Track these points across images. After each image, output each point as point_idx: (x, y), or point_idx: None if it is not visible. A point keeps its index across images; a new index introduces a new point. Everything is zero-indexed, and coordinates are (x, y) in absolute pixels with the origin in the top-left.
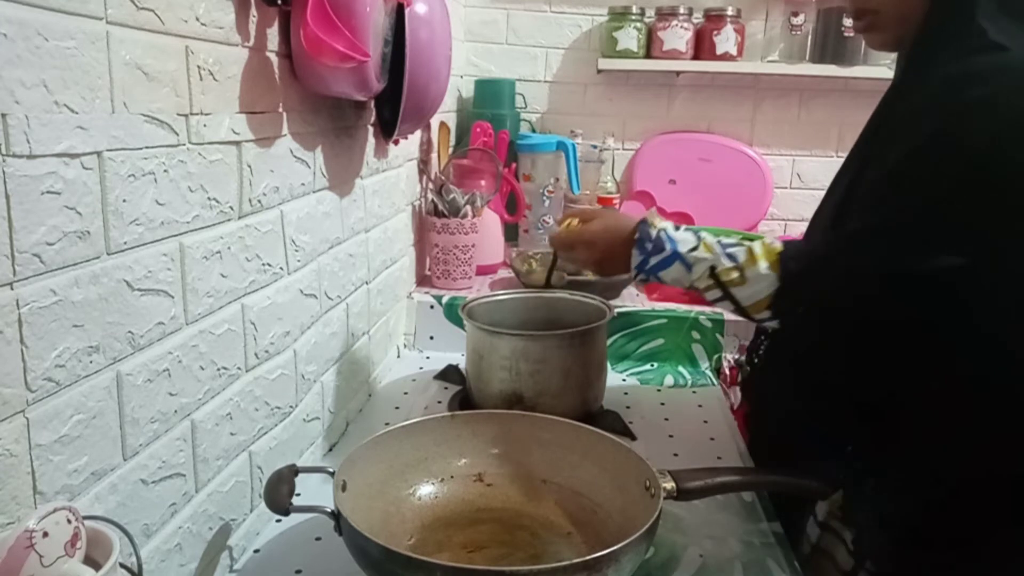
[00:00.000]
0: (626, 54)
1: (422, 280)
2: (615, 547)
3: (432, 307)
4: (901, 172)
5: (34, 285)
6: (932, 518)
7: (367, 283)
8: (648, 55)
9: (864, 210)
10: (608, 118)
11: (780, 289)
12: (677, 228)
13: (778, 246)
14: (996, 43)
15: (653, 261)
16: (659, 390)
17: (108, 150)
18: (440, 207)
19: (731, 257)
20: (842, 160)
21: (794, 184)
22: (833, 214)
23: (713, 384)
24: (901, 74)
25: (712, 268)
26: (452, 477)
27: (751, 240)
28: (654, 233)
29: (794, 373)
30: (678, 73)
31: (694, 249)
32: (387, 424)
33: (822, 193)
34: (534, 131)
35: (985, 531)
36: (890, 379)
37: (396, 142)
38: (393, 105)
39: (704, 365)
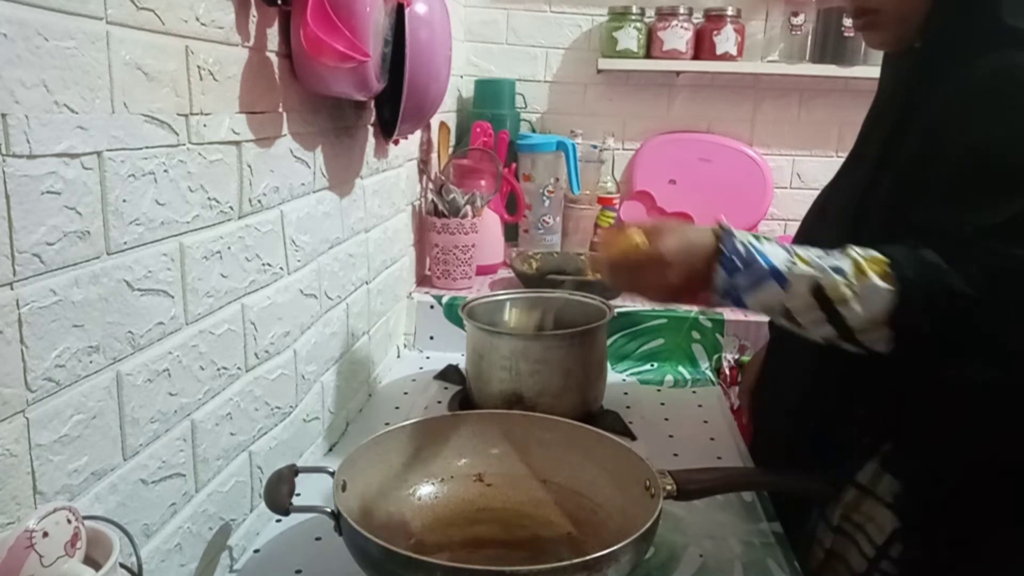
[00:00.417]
0: (626, 54)
1: (422, 280)
2: (615, 547)
3: (432, 307)
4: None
5: (34, 285)
6: (932, 518)
7: (367, 283)
8: (648, 55)
9: (966, 210)
10: (608, 118)
11: (901, 304)
12: (758, 239)
13: (881, 256)
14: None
15: (742, 281)
16: (659, 390)
17: (108, 150)
18: (440, 207)
19: (837, 271)
20: (842, 160)
21: (794, 184)
22: (850, 221)
23: (713, 384)
24: (915, 74)
25: (817, 286)
26: (452, 477)
27: (842, 250)
28: (741, 247)
29: (796, 376)
30: (678, 73)
31: (791, 263)
32: (387, 424)
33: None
34: (534, 131)
35: (985, 531)
36: (895, 380)
37: (396, 142)
38: (393, 105)
39: (704, 365)
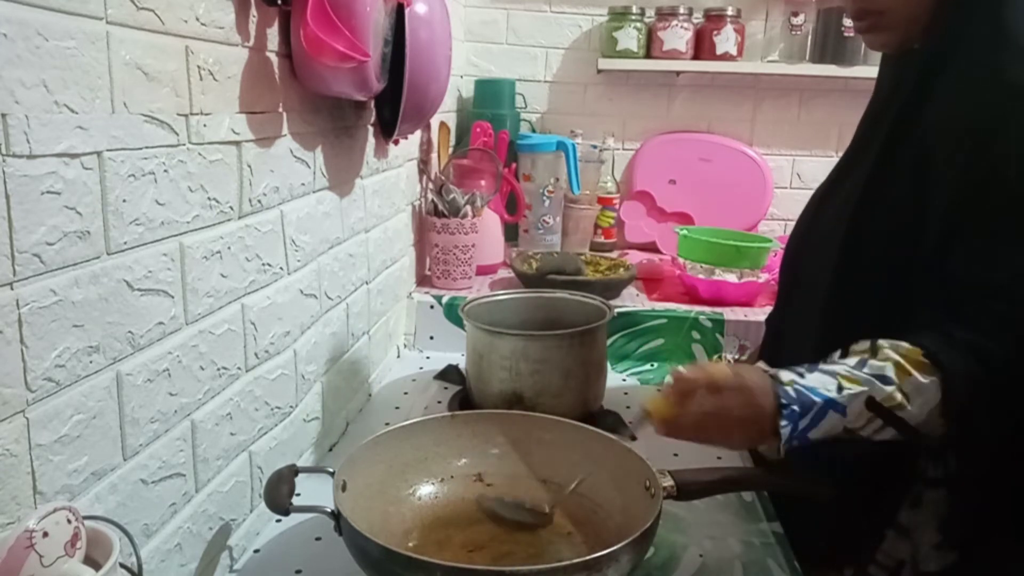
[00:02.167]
0: (626, 54)
1: (422, 280)
2: (615, 547)
3: (432, 307)
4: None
5: (34, 285)
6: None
7: (367, 283)
8: (648, 55)
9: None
10: (608, 118)
11: (948, 392)
12: (801, 375)
13: (914, 348)
14: None
15: (804, 424)
16: (659, 390)
17: (108, 150)
18: (440, 207)
19: (883, 379)
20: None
21: (794, 184)
22: (843, 234)
23: None
24: (915, 78)
25: (870, 399)
26: (452, 477)
27: (872, 352)
28: (792, 392)
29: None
30: (678, 73)
31: (840, 388)
32: (387, 424)
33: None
34: (534, 131)
35: (982, 535)
36: None
37: (396, 142)
38: (393, 105)
39: None
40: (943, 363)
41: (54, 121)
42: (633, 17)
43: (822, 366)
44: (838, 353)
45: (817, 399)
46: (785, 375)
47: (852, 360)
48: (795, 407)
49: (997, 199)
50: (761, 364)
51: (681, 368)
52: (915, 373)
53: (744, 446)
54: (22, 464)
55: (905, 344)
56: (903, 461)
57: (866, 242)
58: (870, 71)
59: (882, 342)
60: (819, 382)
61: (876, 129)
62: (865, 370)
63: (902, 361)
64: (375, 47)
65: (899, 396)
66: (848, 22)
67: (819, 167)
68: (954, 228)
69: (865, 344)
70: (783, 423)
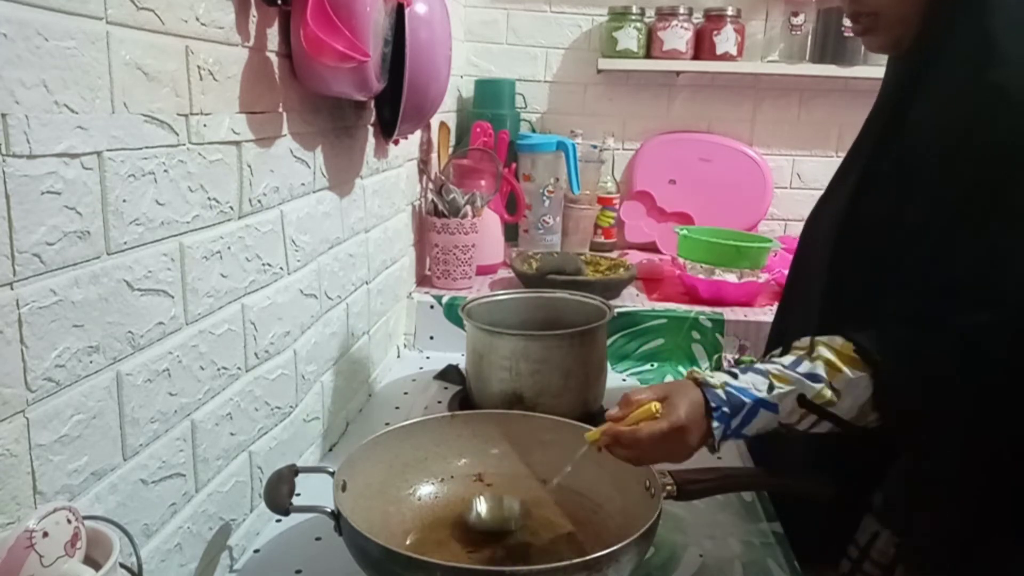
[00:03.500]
0: (626, 54)
1: (422, 280)
2: (615, 547)
3: (432, 307)
4: (958, 212)
5: (34, 285)
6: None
7: (367, 283)
8: (648, 55)
9: (923, 264)
10: (608, 118)
11: (879, 385)
12: (733, 375)
13: (846, 343)
14: (1008, 53)
15: (736, 423)
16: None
17: (108, 150)
18: (440, 207)
19: (813, 377)
20: (841, 161)
21: (794, 184)
22: (836, 228)
23: None
24: (906, 80)
25: (801, 397)
26: (452, 477)
27: (809, 349)
28: (723, 394)
29: None
30: (678, 73)
31: (771, 388)
32: (387, 424)
33: (822, 193)
34: (534, 131)
35: (982, 535)
36: None
37: (396, 142)
38: (393, 105)
39: (704, 365)
40: (873, 359)
41: (54, 121)
42: (633, 17)
43: (757, 365)
44: (779, 351)
45: (747, 399)
46: (717, 378)
47: (788, 359)
48: (725, 408)
49: (969, 197)
50: (694, 372)
51: (612, 418)
52: (845, 369)
53: (688, 457)
54: (22, 464)
55: (839, 339)
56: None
57: (856, 243)
58: (870, 71)
59: (819, 339)
60: (751, 382)
61: (869, 134)
62: (799, 369)
63: (833, 358)
64: (375, 47)
65: (829, 393)
66: (848, 22)
67: (819, 167)
68: (924, 227)
69: (805, 341)
70: (715, 424)
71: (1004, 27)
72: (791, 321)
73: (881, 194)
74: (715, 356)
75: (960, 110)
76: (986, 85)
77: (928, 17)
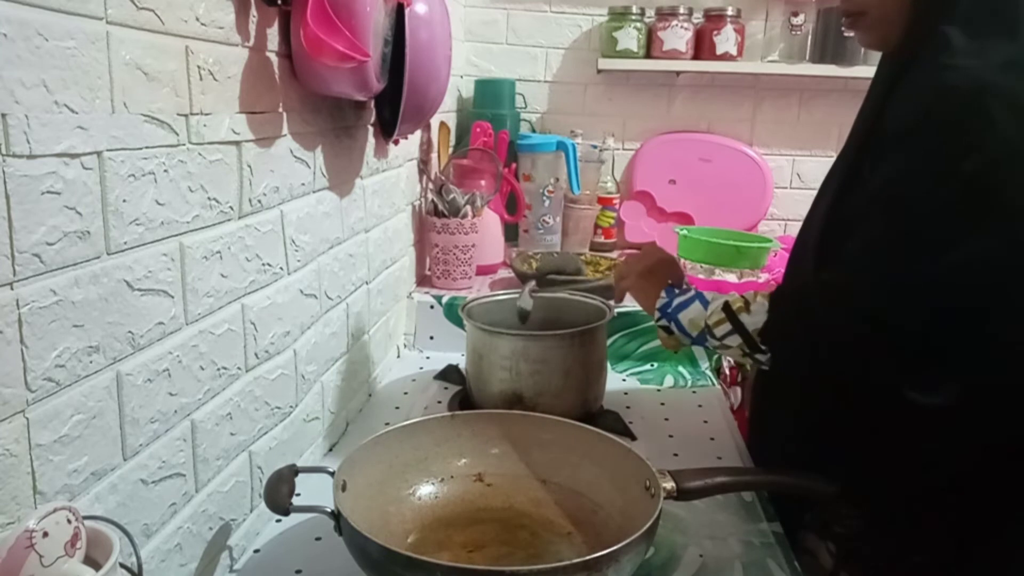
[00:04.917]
0: (626, 54)
1: (422, 280)
2: (615, 547)
3: (432, 307)
4: (891, 195)
5: (34, 285)
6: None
7: (367, 283)
8: (648, 55)
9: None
10: (608, 118)
11: (769, 320)
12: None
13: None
14: (967, 58)
15: (677, 301)
16: (659, 390)
17: (108, 150)
18: (440, 207)
19: (742, 297)
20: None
21: (794, 184)
22: (821, 225)
23: (713, 384)
24: (888, 79)
25: (726, 304)
26: (452, 477)
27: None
28: (681, 285)
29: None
30: (678, 73)
31: (714, 299)
32: (387, 424)
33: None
34: (534, 131)
35: (982, 533)
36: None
37: (396, 142)
38: (393, 105)
39: (704, 365)
40: (776, 300)
41: (54, 121)
42: (633, 17)
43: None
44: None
45: (692, 291)
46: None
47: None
48: (676, 288)
49: (899, 196)
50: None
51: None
52: (759, 298)
53: (647, 285)
54: (22, 464)
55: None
56: (902, 462)
57: (839, 243)
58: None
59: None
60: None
61: (856, 129)
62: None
63: (761, 294)
64: (375, 47)
65: (741, 303)
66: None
67: (819, 167)
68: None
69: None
70: (663, 293)
71: (959, 31)
72: None
73: (861, 194)
74: (715, 356)
75: (916, 110)
76: (936, 83)
77: (910, 18)
